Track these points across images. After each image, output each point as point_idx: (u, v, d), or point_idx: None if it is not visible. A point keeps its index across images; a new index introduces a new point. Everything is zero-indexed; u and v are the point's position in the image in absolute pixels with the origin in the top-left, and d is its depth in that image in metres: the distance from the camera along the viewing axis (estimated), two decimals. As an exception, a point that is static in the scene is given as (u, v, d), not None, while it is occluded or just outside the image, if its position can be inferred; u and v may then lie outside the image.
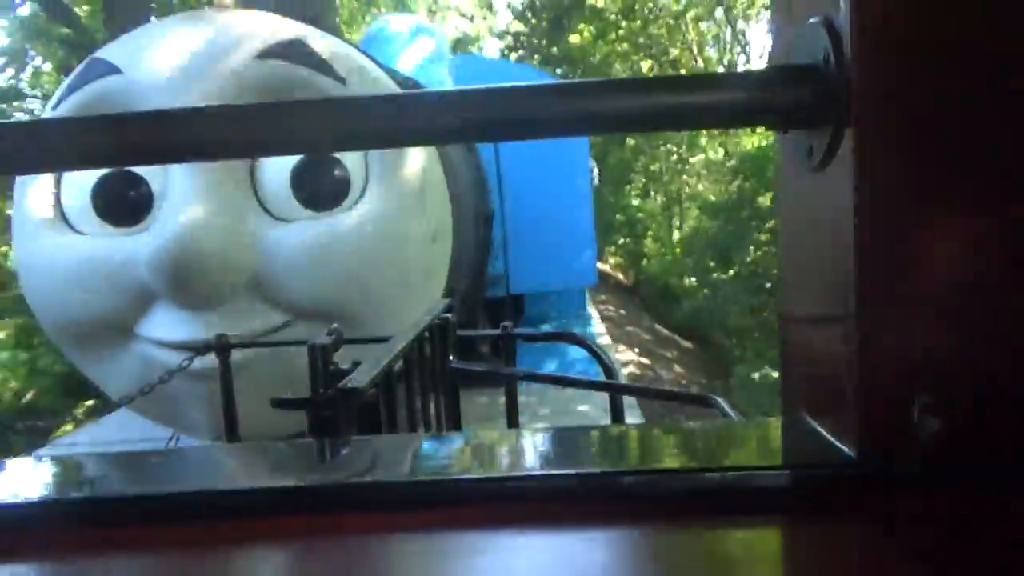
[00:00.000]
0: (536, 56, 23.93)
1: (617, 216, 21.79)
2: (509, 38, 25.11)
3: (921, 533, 0.56)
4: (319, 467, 0.69)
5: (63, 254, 2.74)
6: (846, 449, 0.60)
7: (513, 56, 24.01)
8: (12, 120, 0.71)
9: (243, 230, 2.60)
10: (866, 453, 0.58)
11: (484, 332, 4.22)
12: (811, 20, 0.61)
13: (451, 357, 2.30)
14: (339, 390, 1.52)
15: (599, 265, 19.65)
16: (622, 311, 16.29)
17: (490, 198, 4.60)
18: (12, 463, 0.75)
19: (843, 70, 0.56)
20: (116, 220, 2.76)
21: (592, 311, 5.47)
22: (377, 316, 2.78)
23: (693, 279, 17.53)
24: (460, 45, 25.15)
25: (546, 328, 5.32)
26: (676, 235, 21.32)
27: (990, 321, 0.57)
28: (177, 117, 0.66)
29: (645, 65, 20.25)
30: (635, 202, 22.35)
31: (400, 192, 2.75)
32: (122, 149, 0.67)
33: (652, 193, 23.52)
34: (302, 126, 0.64)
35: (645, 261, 21.16)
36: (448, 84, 5.95)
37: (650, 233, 21.93)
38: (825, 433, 0.64)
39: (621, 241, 22.73)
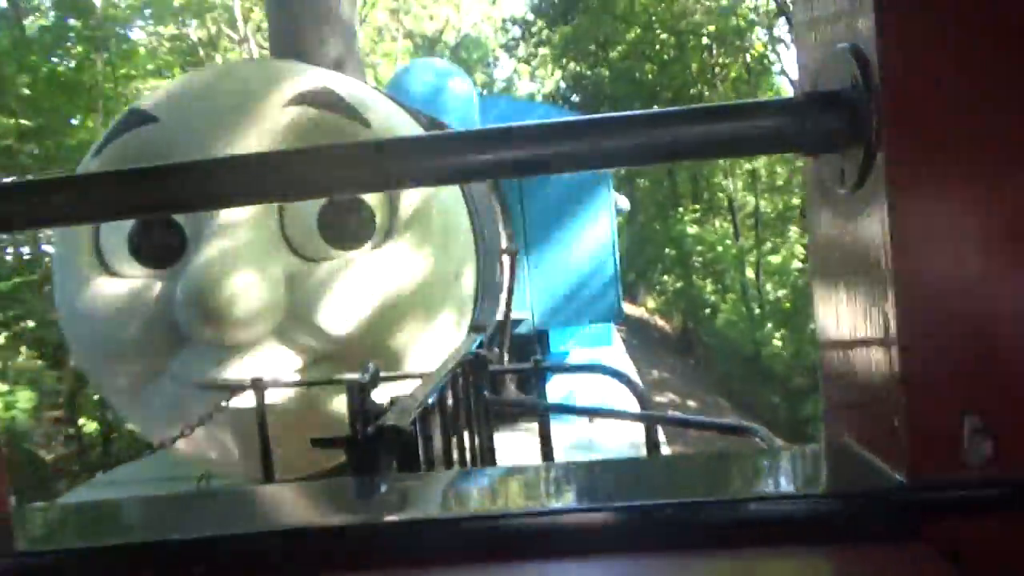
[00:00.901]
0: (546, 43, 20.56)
1: (667, 250, 16.64)
2: (516, 28, 22.29)
3: (979, 558, 0.56)
4: (363, 505, 0.70)
5: (100, 296, 2.83)
6: (896, 474, 0.60)
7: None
8: (45, 177, 0.75)
9: (272, 270, 2.67)
10: (917, 478, 0.58)
11: (516, 366, 4.20)
12: (838, 46, 0.62)
13: (484, 392, 2.30)
14: (379, 428, 1.53)
15: (635, 310, 17.35)
16: (690, 402, 11.74)
17: (514, 235, 4.65)
18: (52, 506, 0.77)
19: (872, 95, 0.57)
20: (151, 262, 2.86)
21: (619, 345, 5.46)
22: (403, 353, 2.82)
23: (777, 343, 12.19)
24: (466, 48, 23.77)
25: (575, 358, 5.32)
26: (750, 273, 15.70)
27: None
28: (211, 166, 0.69)
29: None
30: (690, 229, 16.45)
31: (424, 230, 2.81)
32: (157, 200, 0.71)
33: (713, 218, 17.82)
34: (333, 169, 0.67)
35: (708, 311, 15.35)
36: (474, 122, 6.04)
37: (698, 265, 16.22)
38: (873, 459, 0.64)
39: (665, 277, 17.60)
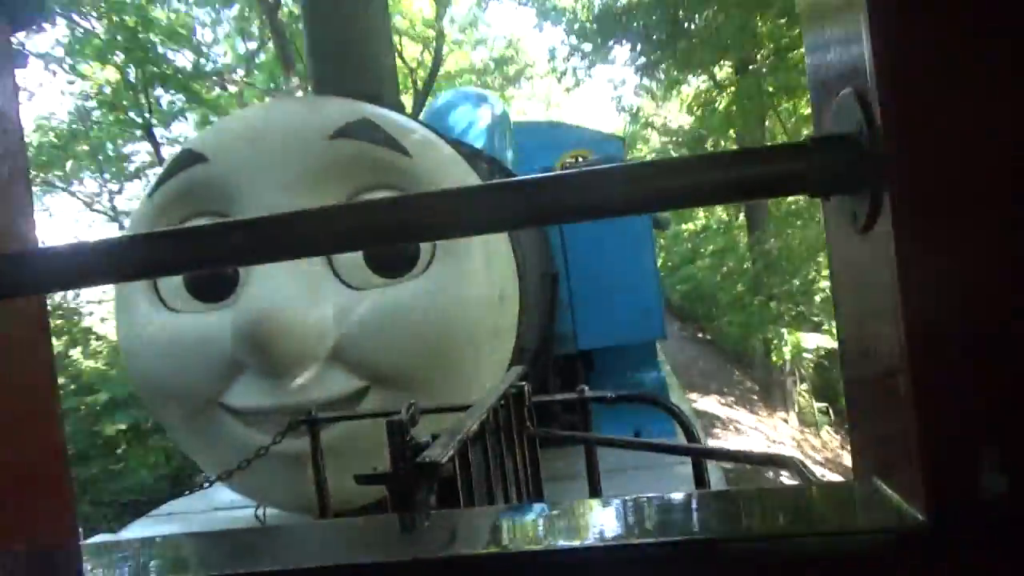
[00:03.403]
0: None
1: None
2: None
3: None
4: (401, 543, 0.72)
5: (158, 330, 2.94)
6: (915, 512, 0.60)
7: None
8: (107, 238, 0.82)
9: (320, 299, 2.74)
10: (935, 516, 0.58)
11: (560, 397, 4.22)
12: (844, 92, 0.65)
13: (528, 424, 2.33)
14: (417, 464, 1.58)
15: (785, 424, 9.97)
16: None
17: (554, 258, 4.68)
18: (116, 542, 0.82)
19: (876, 139, 0.60)
20: (206, 296, 2.97)
21: (664, 362, 5.43)
22: (449, 378, 2.87)
23: None
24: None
25: (619, 383, 5.30)
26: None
27: None
28: (269, 223, 0.75)
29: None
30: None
31: (466, 258, 2.86)
32: (217, 256, 0.78)
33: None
34: (379, 223, 0.72)
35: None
36: (510, 149, 6.13)
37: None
38: (894, 496, 0.65)
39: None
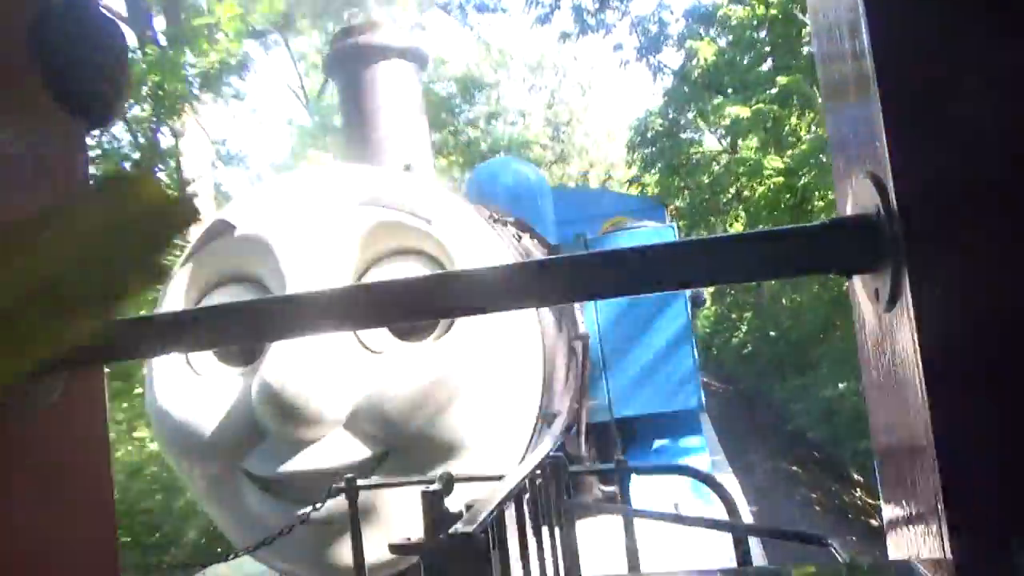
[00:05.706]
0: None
1: None
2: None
3: None
4: None
5: (186, 395, 2.99)
6: None
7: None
8: (152, 313, 0.85)
9: (341, 364, 2.75)
10: None
11: (597, 467, 4.15)
12: (861, 174, 0.66)
13: (565, 496, 2.29)
14: (451, 535, 1.56)
15: None
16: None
17: (581, 320, 4.63)
18: None
19: (892, 221, 0.60)
20: (232, 360, 3.01)
21: (708, 430, 5.27)
22: (470, 441, 2.82)
23: None
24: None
25: (660, 447, 5.15)
26: None
27: None
28: (294, 302, 0.78)
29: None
30: None
31: (486, 319, 2.85)
32: (247, 332, 0.82)
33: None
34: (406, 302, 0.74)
35: None
36: (549, 214, 6.22)
37: None
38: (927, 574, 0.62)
39: None
